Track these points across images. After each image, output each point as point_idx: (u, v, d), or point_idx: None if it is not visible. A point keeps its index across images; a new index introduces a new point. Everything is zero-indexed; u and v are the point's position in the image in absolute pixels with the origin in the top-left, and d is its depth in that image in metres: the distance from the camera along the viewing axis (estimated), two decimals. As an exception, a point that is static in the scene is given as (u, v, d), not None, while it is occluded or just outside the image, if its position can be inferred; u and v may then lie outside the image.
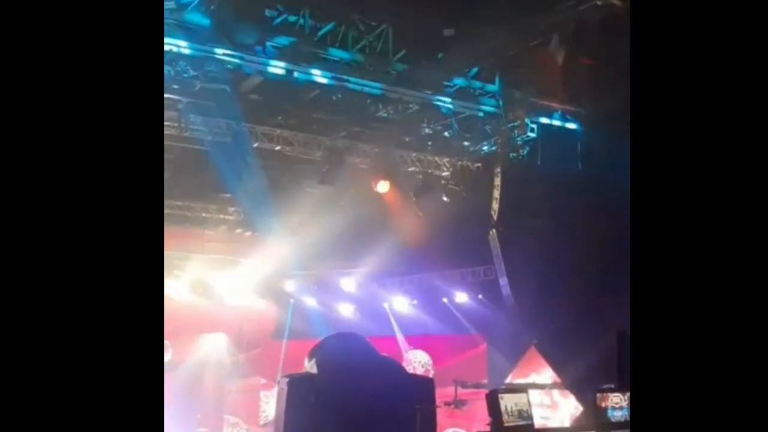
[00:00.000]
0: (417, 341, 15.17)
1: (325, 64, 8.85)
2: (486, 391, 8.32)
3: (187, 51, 8.12)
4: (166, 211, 12.59)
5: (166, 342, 16.85)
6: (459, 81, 9.90)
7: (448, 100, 9.96)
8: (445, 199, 11.98)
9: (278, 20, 8.44)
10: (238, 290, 15.09)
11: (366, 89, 9.40)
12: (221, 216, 13.27)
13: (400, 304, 15.24)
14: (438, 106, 10.08)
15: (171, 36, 7.84)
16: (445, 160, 11.80)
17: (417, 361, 14.90)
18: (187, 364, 16.56)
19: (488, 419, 7.60)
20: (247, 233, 13.35)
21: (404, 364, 12.94)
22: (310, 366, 2.42)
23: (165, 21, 7.70)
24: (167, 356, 16.89)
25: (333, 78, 8.95)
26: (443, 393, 9.32)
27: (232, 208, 13.08)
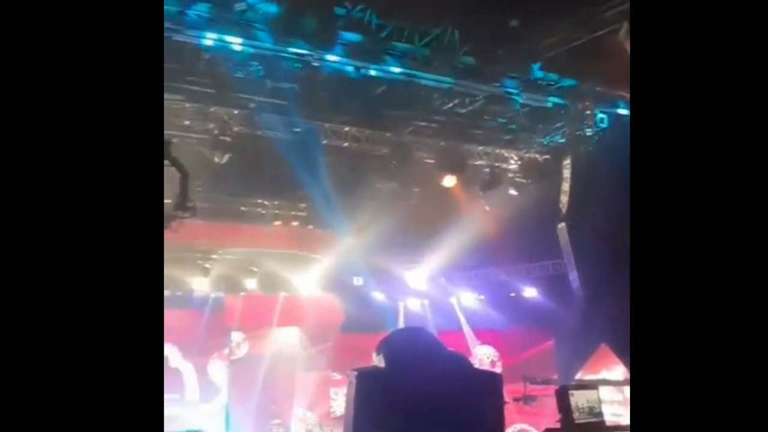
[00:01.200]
0: (484, 336, 15.10)
1: (393, 59, 8.90)
2: (555, 387, 8.21)
3: (257, 51, 8.32)
4: (241, 208, 13.00)
5: (241, 335, 17.44)
6: (526, 72, 9.77)
7: (516, 92, 9.84)
8: (512, 192, 11.86)
9: (345, 18, 8.55)
10: (309, 285, 15.41)
11: (433, 83, 9.40)
12: (292, 213, 13.55)
13: (468, 299, 15.19)
14: (505, 98, 9.97)
15: (242, 36, 8.04)
16: (513, 152, 11.67)
17: (484, 356, 14.84)
18: (261, 357, 17.05)
19: (558, 416, 7.52)
20: (318, 229, 13.58)
21: (471, 359, 12.91)
22: (378, 360, 2.47)
23: (236, 21, 7.92)
24: (243, 349, 17.45)
25: (400, 73, 9.00)
26: (511, 389, 9.26)
27: (303, 205, 13.34)
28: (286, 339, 17.63)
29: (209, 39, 7.93)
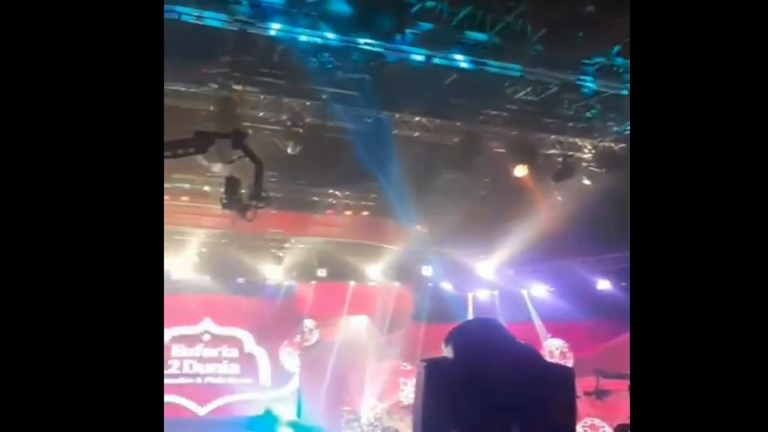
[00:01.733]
0: (556, 328, 14.85)
1: (464, 48, 8.82)
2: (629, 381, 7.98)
3: (329, 42, 8.41)
4: (312, 198, 13.23)
5: (313, 323, 17.80)
6: (601, 59, 9.47)
7: (590, 79, 9.56)
8: (586, 182, 11.57)
9: (417, 6, 8.52)
10: (379, 274, 15.54)
11: (504, 71, 9.26)
12: (362, 203, 13.67)
13: (538, 291, 14.96)
14: (579, 86, 9.71)
15: (314, 28, 8.14)
16: (587, 141, 11.37)
17: (555, 349, 14.60)
18: (332, 345, 17.36)
19: (633, 412, 7.31)
20: (387, 219, 13.65)
21: (542, 352, 12.72)
22: (447, 351, 2.45)
23: (308, 14, 8.03)
24: (314, 337, 17.80)
25: (471, 62, 8.90)
26: (582, 382, 9.04)
27: (373, 195, 13.43)
28: (356, 327, 17.88)
29: (282, 31, 8.06)
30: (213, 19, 7.81)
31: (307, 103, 9.86)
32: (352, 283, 16.74)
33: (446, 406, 2.52)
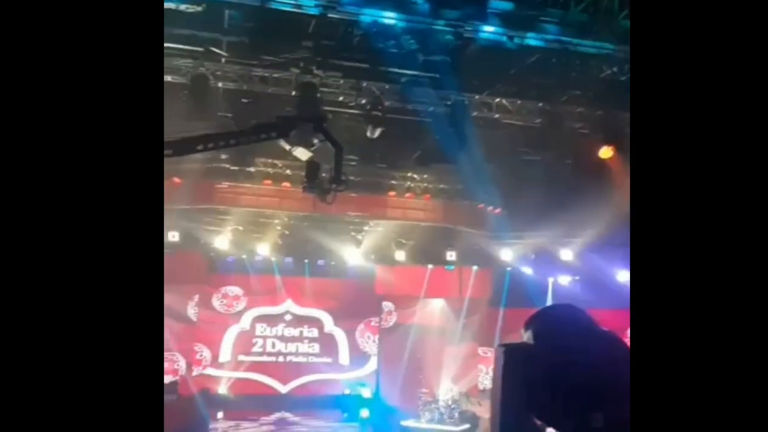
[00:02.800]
0: (642, 316, 14.36)
1: (546, 26, 8.58)
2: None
3: (409, 25, 8.37)
4: (391, 182, 13.30)
5: (391, 305, 17.96)
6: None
7: (681, 57, 9.10)
8: (675, 164, 11.06)
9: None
10: (457, 257, 15.47)
11: (589, 50, 8.95)
12: (441, 186, 13.62)
13: (622, 276, 14.49)
14: (669, 64, 9.27)
15: (393, 11, 8.12)
16: (677, 122, 10.85)
17: (642, 338, 14.14)
18: (409, 328, 17.48)
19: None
20: (466, 202, 13.55)
21: (626, 339, 12.35)
22: (526, 336, 2.41)
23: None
24: (392, 319, 17.97)
25: (554, 41, 8.66)
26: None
27: (452, 178, 13.36)
28: (434, 311, 17.92)
29: (362, 15, 8.08)
30: (294, 4, 7.92)
31: (387, 87, 9.89)
32: (430, 267, 16.76)
33: (525, 392, 2.49)
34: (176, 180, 12.14)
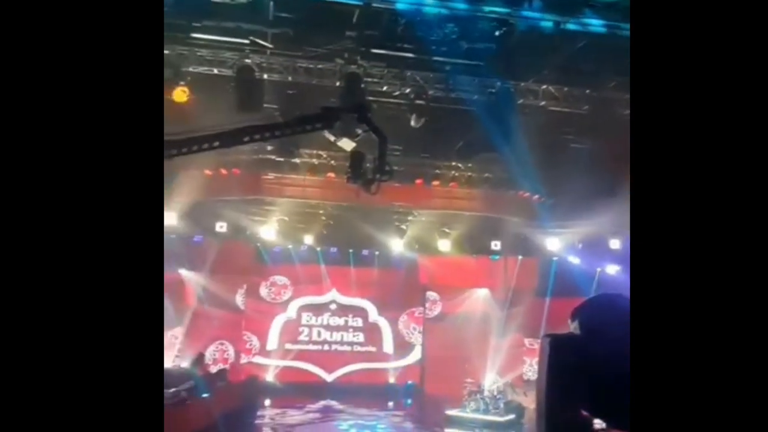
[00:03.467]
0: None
1: (595, 11, 8.40)
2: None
3: (454, 12, 8.30)
4: (435, 171, 13.25)
5: (435, 295, 17.96)
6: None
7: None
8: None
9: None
10: (502, 247, 15.34)
11: (638, 35, 8.72)
12: (486, 174, 13.50)
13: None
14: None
15: (437, -1, 8.07)
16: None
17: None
18: (454, 317, 17.45)
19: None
20: (512, 191, 13.40)
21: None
22: (573, 327, 2.37)
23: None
24: (437, 309, 17.97)
25: (602, 25, 8.47)
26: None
27: (497, 167, 13.23)
28: (478, 301, 17.84)
29: (406, 3, 8.05)
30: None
31: (431, 75, 9.84)
32: (474, 256, 16.67)
33: (571, 383, 2.47)
34: (223, 171, 12.34)
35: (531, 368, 16.20)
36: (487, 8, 8.23)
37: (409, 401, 16.95)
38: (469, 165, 13.41)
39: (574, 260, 15.56)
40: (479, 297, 17.84)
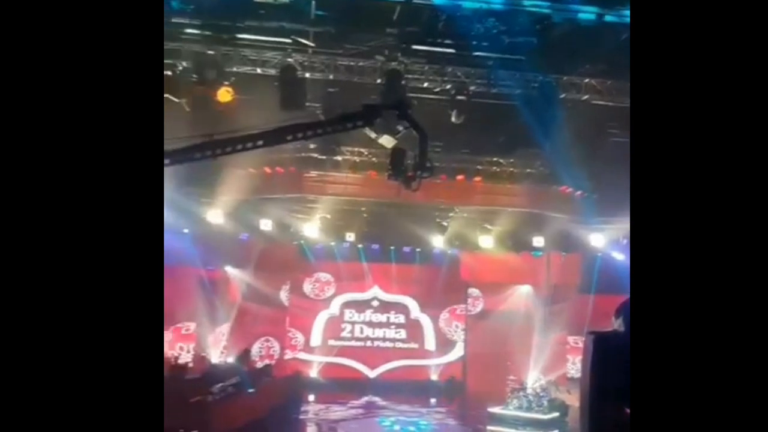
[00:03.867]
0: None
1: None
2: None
3: (494, 7, 8.24)
4: (476, 167, 13.17)
5: (477, 291, 17.87)
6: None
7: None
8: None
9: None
10: (545, 243, 15.17)
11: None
12: (528, 170, 13.37)
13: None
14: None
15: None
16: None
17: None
18: (496, 314, 17.33)
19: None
20: (554, 187, 13.24)
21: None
22: (617, 324, 2.34)
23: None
24: (479, 305, 17.88)
25: (646, 18, 8.30)
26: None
27: (539, 162, 13.08)
28: (521, 297, 17.68)
29: (446, -1, 8.04)
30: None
31: (472, 71, 9.79)
32: (516, 253, 16.52)
33: (615, 381, 2.45)
34: (267, 170, 12.52)
35: (574, 366, 15.99)
36: (528, 2, 8.15)
37: (452, 398, 16.92)
38: (511, 160, 13.29)
39: (619, 256, 15.29)
40: (522, 294, 17.67)
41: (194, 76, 9.20)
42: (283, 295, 17.23)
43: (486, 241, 15.38)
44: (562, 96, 10.04)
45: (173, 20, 8.71)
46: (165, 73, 8.97)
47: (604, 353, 2.52)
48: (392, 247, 16.77)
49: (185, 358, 14.78)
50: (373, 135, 8.72)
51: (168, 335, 15.19)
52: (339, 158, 12.82)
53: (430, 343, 17.76)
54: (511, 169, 13.38)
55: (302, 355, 17.17)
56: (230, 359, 14.44)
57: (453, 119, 9.92)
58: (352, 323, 17.63)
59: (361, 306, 17.66)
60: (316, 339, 17.35)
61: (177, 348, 15.01)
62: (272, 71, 9.51)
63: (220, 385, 11.25)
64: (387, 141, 8.82)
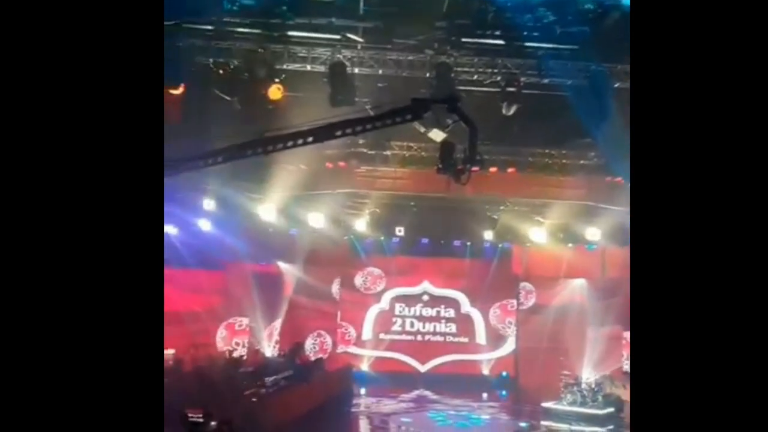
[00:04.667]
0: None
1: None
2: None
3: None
4: (527, 159, 12.98)
5: (529, 285, 17.65)
6: None
7: None
8: None
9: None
10: (599, 237, 14.87)
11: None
12: (580, 162, 13.11)
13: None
14: None
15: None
16: None
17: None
18: (549, 308, 17.09)
19: None
20: (608, 178, 12.95)
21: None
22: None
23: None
24: (531, 299, 17.67)
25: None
26: None
27: (592, 153, 12.81)
28: (575, 291, 17.38)
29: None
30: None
31: (522, 62, 9.65)
32: (569, 245, 16.24)
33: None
34: (318, 166, 12.62)
35: (629, 361, 15.64)
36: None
37: (504, 393, 16.77)
38: (563, 152, 13.06)
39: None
40: (575, 288, 17.37)
41: (245, 74, 9.34)
42: (335, 290, 17.37)
43: (538, 234, 15.17)
44: (616, 85, 9.80)
45: (224, 19, 8.86)
46: (217, 71, 9.13)
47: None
48: (442, 241, 16.70)
49: (239, 352, 15.05)
50: (422, 129, 8.69)
51: (222, 332, 15.51)
52: (388, 153, 12.82)
53: (481, 338, 17.64)
54: (564, 160, 13.14)
55: (353, 349, 17.28)
56: (282, 353, 14.65)
57: (503, 111, 9.80)
58: (403, 317, 17.65)
59: (411, 300, 17.66)
60: (366, 333, 17.44)
61: (233, 343, 15.29)
62: (322, 68, 9.57)
63: (273, 377, 11.44)
64: (436, 135, 8.77)
